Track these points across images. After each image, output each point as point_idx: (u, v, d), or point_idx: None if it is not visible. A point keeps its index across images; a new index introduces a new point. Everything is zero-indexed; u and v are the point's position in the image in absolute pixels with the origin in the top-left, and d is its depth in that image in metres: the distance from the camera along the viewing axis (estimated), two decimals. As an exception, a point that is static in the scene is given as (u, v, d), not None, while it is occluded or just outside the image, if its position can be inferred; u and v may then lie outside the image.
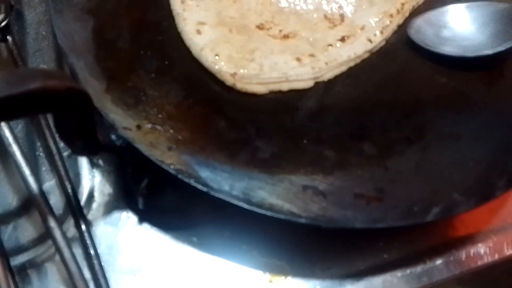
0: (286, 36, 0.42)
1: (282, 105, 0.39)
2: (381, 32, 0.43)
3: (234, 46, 0.40)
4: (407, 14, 0.44)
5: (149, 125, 0.34)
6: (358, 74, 0.42)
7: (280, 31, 0.42)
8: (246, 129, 0.37)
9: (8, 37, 0.40)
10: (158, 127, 0.34)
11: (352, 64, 0.42)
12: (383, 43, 0.43)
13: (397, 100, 0.41)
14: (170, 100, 0.37)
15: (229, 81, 0.38)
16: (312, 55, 0.41)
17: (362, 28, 0.43)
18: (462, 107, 0.40)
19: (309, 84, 0.40)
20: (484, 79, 0.42)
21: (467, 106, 0.40)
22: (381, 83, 0.41)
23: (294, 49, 0.41)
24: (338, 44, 0.42)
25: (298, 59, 0.40)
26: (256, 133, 0.37)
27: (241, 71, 0.38)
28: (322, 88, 0.41)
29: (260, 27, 0.42)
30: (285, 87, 0.39)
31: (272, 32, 0.42)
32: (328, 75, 0.40)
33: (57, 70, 0.41)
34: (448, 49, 0.42)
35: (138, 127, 0.34)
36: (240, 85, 0.38)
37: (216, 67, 0.38)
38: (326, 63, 0.40)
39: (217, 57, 0.39)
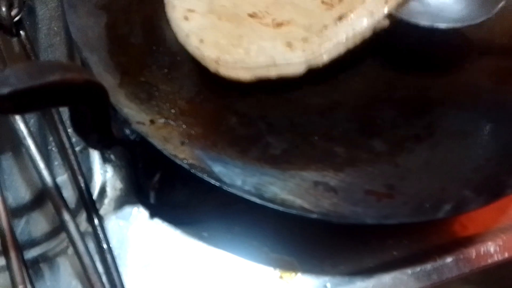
0: (279, 24, 0.39)
1: (293, 101, 0.39)
2: (386, 2, 0.39)
3: (221, 33, 0.38)
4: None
5: (162, 120, 0.34)
6: (367, 71, 0.42)
7: (274, 19, 0.40)
8: (257, 125, 0.37)
9: (21, 31, 0.40)
10: (171, 122, 0.34)
11: (351, 45, 0.38)
12: (386, 23, 0.39)
13: (406, 97, 0.41)
14: (183, 95, 0.37)
15: (212, 67, 0.37)
16: (305, 39, 0.38)
17: (363, 2, 0.39)
18: (471, 104, 0.41)
19: (300, 69, 0.37)
20: (493, 76, 0.42)
21: (476, 103, 0.41)
22: (390, 81, 0.42)
23: (286, 35, 0.38)
24: (335, 23, 0.39)
25: (289, 44, 0.38)
26: (267, 129, 0.37)
27: (225, 56, 0.37)
28: (331, 84, 0.41)
29: (252, 15, 0.40)
30: (273, 72, 0.37)
31: (264, 20, 0.40)
32: (322, 58, 0.37)
33: (73, 63, 0.42)
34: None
35: (152, 121, 0.34)
36: (224, 71, 0.37)
37: (199, 52, 0.37)
38: (320, 45, 0.38)
39: (201, 43, 0.37)
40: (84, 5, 0.38)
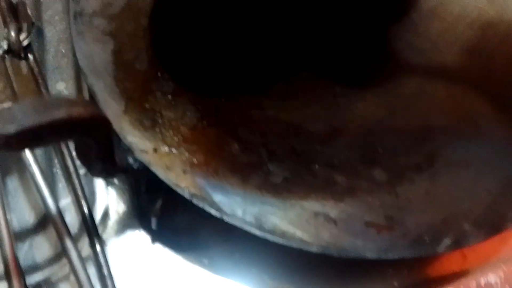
0: None
1: (294, 128, 0.40)
2: None
3: None
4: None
5: (165, 148, 0.34)
6: (369, 97, 0.42)
7: None
8: (259, 152, 0.37)
9: (29, 55, 0.41)
10: (174, 150, 0.35)
11: None
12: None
13: (408, 125, 0.41)
14: (185, 121, 0.37)
15: None
16: None
17: None
18: (472, 133, 0.41)
19: None
20: (495, 104, 0.42)
21: (477, 132, 0.41)
22: (393, 107, 0.42)
23: None
24: None
25: None
26: (268, 157, 0.37)
27: None
28: (333, 110, 0.41)
29: None
30: None
31: None
32: None
33: (79, 97, 0.42)
34: None
35: (155, 150, 0.34)
36: None
37: None
38: None
39: None
40: (92, 32, 0.39)
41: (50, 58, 0.47)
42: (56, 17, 0.49)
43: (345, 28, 0.46)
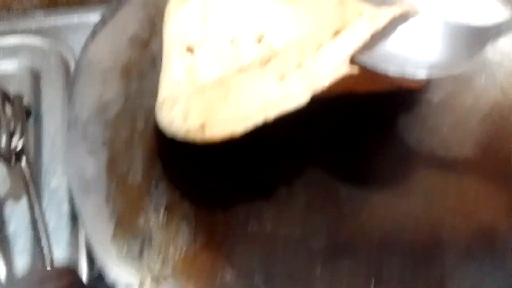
0: (266, 61, 0.35)
1: (293, 246, 0.37)
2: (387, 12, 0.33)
3: (205, 102, 0.34)
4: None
5: (153, 282, 0.33)
6: (376, 204, 0.40)
7: (261, 60, 0.36)
8: (253, 279, 0.35)
9: (23, 157, 0.40)
10: (162, 282, 0.33)
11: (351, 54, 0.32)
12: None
13: (416, 241, 0.39)
14: (178, 243, 0.35)
15: (197, 136, 0.32)
16: (299, 65, 0.33)
17: (361, 13, 0.34)
18: (486, 254, 0.38)
19: (301, 100, 0.31)
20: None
21: (491, 253, 0.38)
22: (400, 218, 0.39)
23: (276, 69, 0.33)
24: (332, 41, 0.33)
25: (282, 77, 0.33)
26: (264, 283, 0.35)
27: (211, 118, 0.33)
28: (336, 221, 0.39)
29: (238, 71, 0.36)
30: (271, 112, 0.31)
31: (251, 66, 0.36)
32: (324, 80, 0.32)
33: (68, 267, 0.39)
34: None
35: (142, 284, 0.32)
36: (210, 135, 0.32)
37: (184, 129, 0.33)
38: (319, 66, 0.32)
39: (185, 121, 0.33)
40: (86, 143, 0.37)
41: (46, 151, 0.45)
42: (55, 106, 0.48)
43: (350, 126, 0.44)
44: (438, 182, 0.41)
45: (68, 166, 0.36)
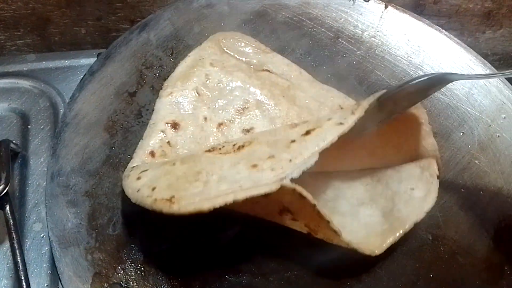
0: (240, 147, 0.37)
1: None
2: (352, 113, 0.37)
3: (175, 176, 0.35)
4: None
5: None
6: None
7: (234, 145, 0.37)
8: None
9: (6, 206, 0.41)
10: None
11: (320, 151, 0.34)
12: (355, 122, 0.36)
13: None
14: (154, 297, 0.36)
15: (165, 207, 0.33)
16: (271, 157, 0.35)
17: (330, 119, 0.37)
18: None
19: (272, 187, 0.32)
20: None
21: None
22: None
23: (249, 157, 0.35)
24: (303, 138, 0.36)
25: (254, 166, 0.34)
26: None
27: (181, 193, 0.33)
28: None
29: (210, 150, 0.38)
30: (240, 196, 0.32)
31: (224, 150, 0.37)
32: (294, 173, 0.33)
33: None
34: None
35: None
36: (178, 208, 0.32)
37: (151, 199, 0.33)
38: (290, 160, 0.34)
39: (153, 191, 0.34)
40: (67, 194, 0.38)
41: (31, 193, 0.46)
42: (42, 148, 0.49)
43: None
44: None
45: (49, 218, 0.36)
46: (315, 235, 0.38)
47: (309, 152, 0.34)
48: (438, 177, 0.41)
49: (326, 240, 0.38)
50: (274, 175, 0.33)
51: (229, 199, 0.31)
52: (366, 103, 0.38)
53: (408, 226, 0.39)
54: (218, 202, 0.31)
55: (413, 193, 0.41)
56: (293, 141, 0.35)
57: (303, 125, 0.38)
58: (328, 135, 0.35)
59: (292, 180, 0.33)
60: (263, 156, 0.35)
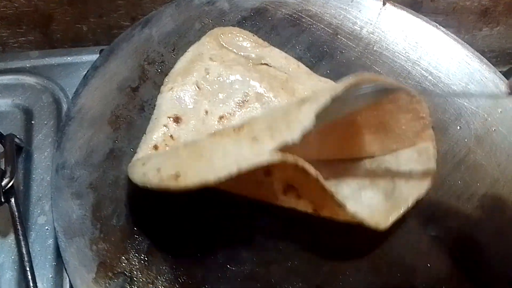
0: (240, 128, 0.36)
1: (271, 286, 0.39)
2: (345, 85, 0.35)
3: (179, 157, 0.35)
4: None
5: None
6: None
7: (234, 128, 0.37)
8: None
9: (11, 199, 0.41)
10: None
11: (316, 112, 0.34)
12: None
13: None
14: (158, 286, 0.37)
15: (171, 183, 0.33)
16: (270, 128, 0.34)
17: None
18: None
19: (272, 158, 0.32)
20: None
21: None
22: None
23: (249, 133, 0.35)
24: (298, 106, 0.35)
25: (255, 139, 0.34)
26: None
27: (186, 169, 0.33)
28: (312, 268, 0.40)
29: (212, 134, 0.38)
30: (243, 165, 0.32)
31: (226, 133, 0.37)
32: (294, 135, 0.32)
33: None
34: None
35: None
36: (185, 181, 0.33)
37: (157, 178, 0.34)
38: (288, 125, 0.34)
39: (159, 171, 0.34)
40: (72, 186, 0.39)
41: (35, 187, 0.47)
42: (46, 143, 0.50)
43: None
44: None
45: (54, 209, 0.37)
46: (320, 213, 0.39)
47: (305, 114, 0.34)
48: (435, 157, 0.42)
49: (331, 217, 0.38)
50: (274, 141, 0.33)
51: (233, 169, 0.31)
52: (360, 75, 0.38)
53: (411, 201, 0.40)
54: (223, 173, 0.32)
55: (413, 174, 0.42)
56: (289, 110, 0.36)
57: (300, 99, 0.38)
58: (321, 97, 0.35)
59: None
60: (262, 127, 0.35)
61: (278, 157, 0.32)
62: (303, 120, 0.34)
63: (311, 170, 0.34)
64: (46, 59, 0.56)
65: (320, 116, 0.35)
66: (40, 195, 0.46)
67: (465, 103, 0.49)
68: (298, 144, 0.33)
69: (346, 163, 0.45)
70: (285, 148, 0.33)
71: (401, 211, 0.40)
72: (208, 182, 0.32)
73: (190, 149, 0.36)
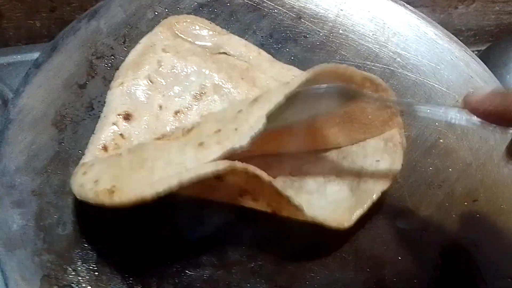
0: (189, 130, 0.34)
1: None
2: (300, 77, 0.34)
3: (120, 167, 0.33)
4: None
5: None
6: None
7: (183, 129, 0.35)
8: None
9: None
10: None
11: (267, 114, 0.32)
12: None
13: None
14: (108, 299, 0.34)
15: (106, 199, 0.30)
16: (217, 131, 0.32)
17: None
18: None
19: (219, 166, 0.30)
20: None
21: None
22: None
23: (196, 137, 0.33)
24: (250, 106, 0.33)
25: (201, 144, 0.32)
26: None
27: (123, 182, 0.31)
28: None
29: (159, 138, 0.35)
30: (185, 178, 0.29)
31: (174, 136, 0.35)
32: (242, 141, 0.30)
33: None
34: None
35: None
36: (119, 197, 0.30)
37: (92, 191, 0.31)
38: (236, 129, 0.32)
39: (96, 183, 0.32)
40: (12, 195, 0.36)
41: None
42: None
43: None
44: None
45: (-7, 220, 0.34)
46: (279, 214, 0.36)
47: (255, 117, 0.31)
48: (402, 145, 0.40)
49: (291, 217, 0.36)
50: (220, 148, 0.30)
51: (173, 182, 0.29)
52: (317, 68, 0.36)
53: (375, 195, 0.38)
54: (162, 187, 0.29)
55: (379, 165, 0.40)
56: (240, 111, 0.33)
57: (253, 97, 0.36)
58: (274, 97, 0.32)
59: (249, 158, 0.31)
60: (210, 132, 0.32)
61: (224, 166, 0.30)
62: (253, 123, 0.31)
63: (263, 175, 0.32)
64: (-5, 57, 0.52)
65: (273, 117, 0.33)
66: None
67: (435, 85, 0.47)
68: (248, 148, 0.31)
69: (311, 155, 0.43)
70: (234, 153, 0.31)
71: (365, 207, 0.37)
72: (145, 198, 0.29)
73: (133, 156, 0.33)
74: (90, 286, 0.34)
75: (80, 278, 0.35)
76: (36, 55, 0.53)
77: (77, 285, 0.34)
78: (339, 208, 0.38)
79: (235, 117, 0.33)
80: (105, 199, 0.31)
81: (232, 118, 0.33)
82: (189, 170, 0.30)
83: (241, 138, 0.30)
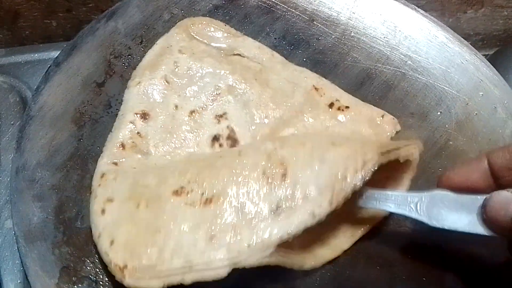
0: (208, 201, 0.34)
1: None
2: (330, 203, 0.33)
3: (136, 227, 0.34)
4: (367, 177, 0.34)
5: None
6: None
7: (203, 194, 0.35)
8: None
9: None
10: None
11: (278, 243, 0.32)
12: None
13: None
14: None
15: (118, 275, 0.33)
16: (233, 229, 0.33)
17: (305, 197, 0.33)
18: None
19: (221, 272, 0.31)
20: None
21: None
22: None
23: (212, 221, 0.33)
24: (272, 216, 0.33)
25: (212, 238, 0.32)
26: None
27: (135, 262, 0.33)
28: None
29: (177, 192, 0.35)
30: (188, 278, 0.32)
31: (191, 197, 0.35)
32: (249, 260, 0.32)
33: None
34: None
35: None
36: (130, 281, 0.32)
37: (108, 258, 0.34)
38: (248, 246, 0.32)
39: (111, 245, 0.34)
40: (33, 188, 0.37)
41: (2, 190, 0.45)
42: (12, 143, 0.47)
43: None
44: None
45: (14, 213, 0.36)
46: None
47: (271, 238, 0.32)
48: None
49: None
50: (228, 259, 0.32)
51: (177, 279, 0.32)
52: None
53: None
54: (168, 281, 0.32)
55: None
56: (261, 213, 0.33)
57: (279, 191, 0.34)
58: (295, 225, 0.33)
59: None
60: (225, 226, 0.33)
61: (224, 274, 0.31)
62: (263, 247, 0.32)
63: None
64: (13, 56, 0.54)
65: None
66: (8, 198, 0.45)
67: (446, 88, 0.48)
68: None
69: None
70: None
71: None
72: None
73: (150, 212, 0.34)
74: (107, 277, 0.35)
75: (97, 270, 0.36)
76: (52, 54, 0.55)
77: (94, 277, 0.35)
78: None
79: (252, 221, 0.33)
80: (117, 276, 0.33)
81: (249, 222, 0.33)
82: (194, 272, 0.32)
83: (247, 259, 0.32)
